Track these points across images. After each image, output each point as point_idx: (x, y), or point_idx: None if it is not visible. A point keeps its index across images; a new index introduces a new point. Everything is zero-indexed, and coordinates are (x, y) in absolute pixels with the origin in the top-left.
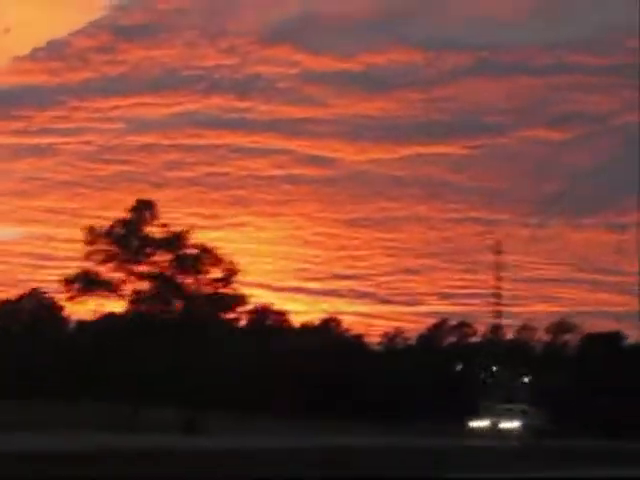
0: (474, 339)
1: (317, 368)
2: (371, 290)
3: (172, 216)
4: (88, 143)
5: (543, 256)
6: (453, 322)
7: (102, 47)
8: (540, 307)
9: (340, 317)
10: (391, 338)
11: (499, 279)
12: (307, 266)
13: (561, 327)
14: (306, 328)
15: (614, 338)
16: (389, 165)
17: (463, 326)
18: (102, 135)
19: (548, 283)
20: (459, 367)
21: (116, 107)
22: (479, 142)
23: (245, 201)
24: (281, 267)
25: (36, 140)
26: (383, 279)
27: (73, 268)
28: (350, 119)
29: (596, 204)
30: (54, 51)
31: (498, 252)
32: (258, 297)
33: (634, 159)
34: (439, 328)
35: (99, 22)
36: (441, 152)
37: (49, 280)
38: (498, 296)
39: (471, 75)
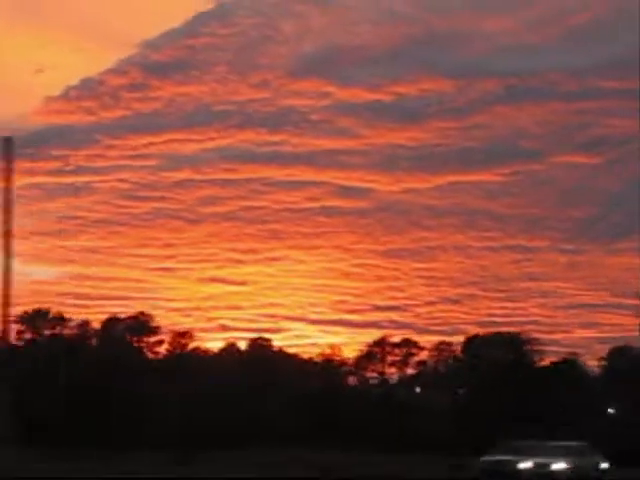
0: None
1: None
2: (411, 320)
3: (209, 252)
4: (123, 181)
5: (581, 282)
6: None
7: (134, 84)
8: (581, 333)
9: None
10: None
11: None
12: (346, 298)
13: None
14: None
15: None
16: (424, 194)
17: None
18: (136, 172)
19: (587, 308)
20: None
21: (150, 144)
22: (513, 169)
23: (281, 234)
24: (319, 300)
25: (71, 179)
26: (423, 309)
27: (111, 306)
28: (383, 149)
29: (631, 228)
30: (87, 90)
31: None
32: (297, 330)
33: None
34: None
35: (130, 59)
36: (475, 180)
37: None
38: None
39: (502, 102)
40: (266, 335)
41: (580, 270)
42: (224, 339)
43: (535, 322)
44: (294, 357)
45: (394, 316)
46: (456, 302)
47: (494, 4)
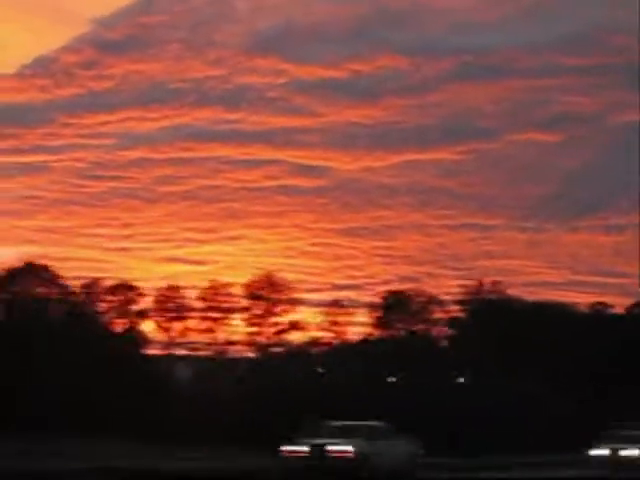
0: None
1: None
2: (370, 299)
3: (167, 231)
4: (79, 160)
5: (541, 260)
6: None
7: (88, 62)
8: None
9: None
10: None
11: None
12: (305, 277)
13: None
14: None
15: None
16: (381, 173)
17: None
18: (92, 151)
19: (548, 287)
20: None
21: (105, 123)
22: (470, 147)
23: (239, 214)
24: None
25: (27, 158)
26: (381, 288)
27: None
28: (340, 127)
29: (591, 206)
30: (41, 68)
31: None
32: None
33: (627, 159)
34: None
35: (84, 37)
36: (433, 158)
37: None
38: None
39: (459, 80)
40: None
41: (540, 248)
42: None
43: None
44: None
45: (352, 295)
46: (414, 280)
47: None
